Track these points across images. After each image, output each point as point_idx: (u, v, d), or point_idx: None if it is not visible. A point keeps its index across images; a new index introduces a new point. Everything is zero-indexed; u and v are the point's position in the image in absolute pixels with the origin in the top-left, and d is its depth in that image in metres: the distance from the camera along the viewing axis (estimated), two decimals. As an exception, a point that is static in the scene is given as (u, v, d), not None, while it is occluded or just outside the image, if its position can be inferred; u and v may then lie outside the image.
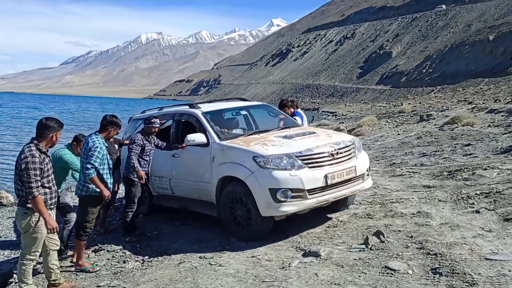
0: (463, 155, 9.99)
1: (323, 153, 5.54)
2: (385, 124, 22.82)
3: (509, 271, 3.86)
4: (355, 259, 4.59)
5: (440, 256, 4.38)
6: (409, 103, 56.27)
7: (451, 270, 3.99)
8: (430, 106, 40.17)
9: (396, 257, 4.51)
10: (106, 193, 5.28)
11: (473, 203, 6.17)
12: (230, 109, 7.40)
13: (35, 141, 4.31)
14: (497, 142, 10.92)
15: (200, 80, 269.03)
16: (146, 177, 6.46)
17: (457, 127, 15.75)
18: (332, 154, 5.58)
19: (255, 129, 7.30)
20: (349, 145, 5.91)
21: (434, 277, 3.95)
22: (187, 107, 6.99)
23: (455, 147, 11.39)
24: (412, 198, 6.92)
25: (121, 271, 5.15)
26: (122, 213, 6.91)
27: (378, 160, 11.62)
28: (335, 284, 4.02)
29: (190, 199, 6.67)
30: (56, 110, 70.64)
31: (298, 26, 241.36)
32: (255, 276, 4.44)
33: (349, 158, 5.79)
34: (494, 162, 8.53)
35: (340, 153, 5.69)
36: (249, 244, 5.53)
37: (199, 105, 7.03)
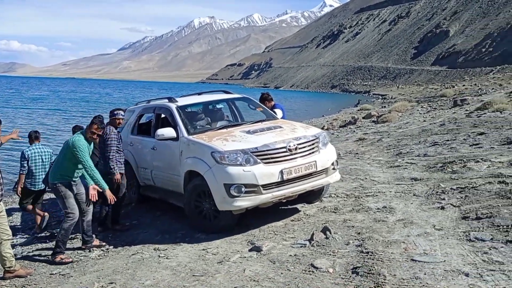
0: (470, 145, 9.61)
1: (280, 148, 5.58)
2: (418, 110, 22.08)
3: (425, 274, 3.80)
4: (291, 255, 4.66)
5: (371, 255, 4.36)
6: (463, 85, 54.06)
7: (369, 270, 3.98)
8: (480, 88, 38.38)
9: (330, 255, 4.53)
10: None
11: (443, 199, 6.02)
12: (207, 102, 7.54)
13: None
14: (513, 131, 10.37)
15: (251, 64, 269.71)
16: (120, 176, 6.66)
17: (485, 113, 15.05)
18: (290, 150, 5.60)
19: (240, 121, 7.43)
20: (312, 140, 5.90)
21: (350, 276, 3.96)
22: (166, 100, 7.20)
23: (469, 136, 10.95)
24: (390, 191, 6.82)
25: (81, 260, 5.50)
26: (110, 205, 7.22)
27: (390, 149, 11.39)
28: (253, 280, 4.13)
29: (167, 190, 6.93)
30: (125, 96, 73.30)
31: (351, 6, 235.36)
32: (190, 270, 4.61)
33: (309, 153, 5.79)
34: (492, 154, 8.17)
35: (300, 148, 5.70)
36: (209, 236, 5.71)
37: (177, 98, 7.22)
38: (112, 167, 6.49)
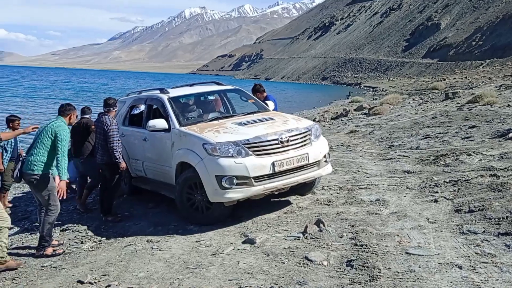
0: (462, 138, 9.64)
1: (271, 140, 5.54)
2: (409, 103, 22.14)
3: (419, 267, 3.80)
4: (284, 248, 4.64)
5: (365, 248, 4.36)
6: (454, 78, 54.40)
7: (363, 263, 3.97)
8: (470, 82, 38.65)
9: (324, 247, 4.52)
10: None
11: (436, 192, 6.02)
12: (199, 94, 7.46)
13: None
14: (503, 125, 10.43)
15: (242, 55, 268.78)
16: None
17: (476, 106, 15.12)
18: (281, 142, 5.57)
19: (232, 113, 7.38)
20: (304, 132, 5.86)
21: (344, 269, 3.96)
22: (158, 91, 7.11)
23: (461, 129, 10.99)
24: (383, 184, 6.82)
25: (72, 251, 5.43)
26: (100, 195, 7.15)
27: (382, 141, 11.40)
28: (248, 273, 4.11)
29: (159, 182, 6.87)
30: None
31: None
32: (184, 262, 4.58)
33: (301, 146, 5.76)
34: (484, 147, 8.21)
35: (292, 140, 5.67)
36: (201, 228, 5.67)
37: (168, 90, 7.14)
38: (117, 156, 6.46)
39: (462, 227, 4.65)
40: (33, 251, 5.54)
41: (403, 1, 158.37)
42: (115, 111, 6.79)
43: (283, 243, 4.82)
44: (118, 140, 6.54)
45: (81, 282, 4.32)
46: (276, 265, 4.22)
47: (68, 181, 5.61)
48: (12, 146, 7.77)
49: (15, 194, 9.52)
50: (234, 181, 5.37)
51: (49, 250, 5.37)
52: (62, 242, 5.82)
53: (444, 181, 6.38)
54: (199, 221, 5.88)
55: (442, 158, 7.89)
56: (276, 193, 6.07)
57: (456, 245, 4.23)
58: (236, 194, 5.43)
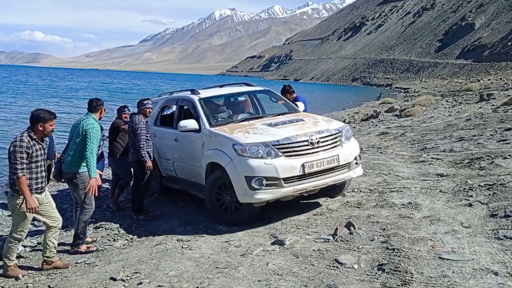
0: (498, 141, 9.37)
1: (302, 142, 5.53)
2: (443, 104, 21.63)
3: (453, 272, 3.71)
4: (314, 250, 4.61)
5: (397, 252, 4.29)
6: (489, 79, 52.90)
7: (395, 268, 3.90)
8: (505, 83, 37.55)
9: (354, 250, 4.47)
10: None
11: (471, 195, 5.87)
12: (229, 95, 7.51)
13: (29, 129, 4.76)
14: (542, 127, 10.07)
15: (271, 56, 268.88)
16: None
17: (512, 108, 14.67)
18: (312, 143, 5.54)
19: (261, 114, 7.39)
20: (334, 134, 5.82)
21: (375, 273, 3.90)
22: (189, 92, 7.19)
23: (496, 131, 10.68)
24: (415, 187, 6.69)
25: (105, 249, 5.55)
26: (132, 194, 7.29)
27: (414, 144, 11.20)
28: (277, 274, 4.10)
29: (189, 181, 6.95)
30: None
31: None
32: (214, 262, 4.61)
33: (332, 147, 5.71)
34: (521, 150, 7.94)
35: (322, 142, 5.63)
36: (230, 229, 5.70)
37: (199, 90, 7.21)
38: (144, 155, 6.57)
39: (497, 232, 4.52)
40: (67, 247, 5.70)
41: (436, 0, 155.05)
42: (144, 110, 6.83)
43: (312, 245, 4.79)
44: (147, 139, 6.66)
45: (114, 279, 4.41)
46: (305, 267, 4.20)
47: (101, 173, 5.68)
48: (48, 145, 7.99)
49: (50, 192, 9.80)
50: (264, 182, 5.38)
51: (83, 247, 5.52)
52: (95, 239, 5.96)
53: (479, 185, 6.21)
54: (228, 222, 5.91)
55: (477, 161, 7.68)
56: (306, 194, 6.04)
57: (491, 250, 4.12)
58: (265, 195, 5.43)
